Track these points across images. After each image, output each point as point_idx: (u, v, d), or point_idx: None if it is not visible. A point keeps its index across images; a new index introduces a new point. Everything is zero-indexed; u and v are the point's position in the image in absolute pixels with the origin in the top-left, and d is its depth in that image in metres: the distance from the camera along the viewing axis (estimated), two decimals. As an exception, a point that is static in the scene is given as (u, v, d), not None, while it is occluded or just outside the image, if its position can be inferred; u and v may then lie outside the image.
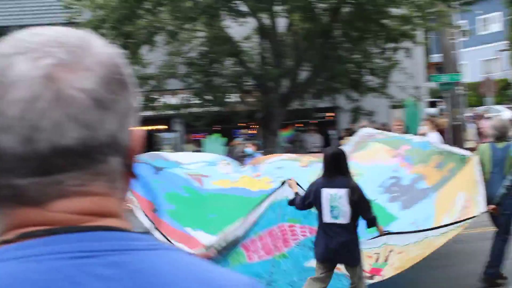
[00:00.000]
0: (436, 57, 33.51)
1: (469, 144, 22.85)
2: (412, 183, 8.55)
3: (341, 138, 21.77)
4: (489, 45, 46.29)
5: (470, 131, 23.93)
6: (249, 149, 14.75)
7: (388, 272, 7.29)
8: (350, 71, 20.20)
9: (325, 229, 6.58)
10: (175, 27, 17.56)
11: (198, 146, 19.69)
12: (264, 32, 18.73)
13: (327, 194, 6.48)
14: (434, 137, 11.57)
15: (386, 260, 7.36)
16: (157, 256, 0.95)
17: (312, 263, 7.25)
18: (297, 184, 7.15)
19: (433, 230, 7.35)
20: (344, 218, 6.43)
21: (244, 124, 23.43)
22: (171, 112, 21.06)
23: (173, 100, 22.12)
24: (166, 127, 24.59)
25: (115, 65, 1.01)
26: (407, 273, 7.23)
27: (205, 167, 9.05)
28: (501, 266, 7.99)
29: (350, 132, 22.01)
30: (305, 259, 7.53)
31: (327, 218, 6.50)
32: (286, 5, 16.70)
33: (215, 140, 15.51)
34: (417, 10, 18.23)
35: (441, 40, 23.82)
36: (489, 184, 7.85)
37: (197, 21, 17.27)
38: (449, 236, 7.30)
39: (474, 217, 7.28)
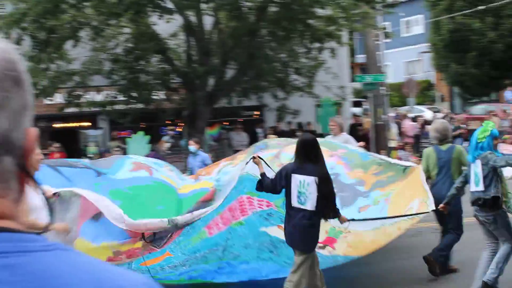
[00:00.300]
0: (360, 58, 34.15)
1: (392, 144, 23.42)
2: (354, 185, 8.72)
3: (266, 136, 21.96)
4: (412, 47, 47.47)
5: (393, 130, 24.49)
6: (193, 146, 14.66)
7: (340, 247, 7.52)
8: (276, 70, 20.36)
9: (289, 213, 6.71)
10: (99, 23, 17.26)
11: (123, 143, 19.47)
12: (191, 29, 18.65)
13: (296, 180, 6.58)
14: (341, 138, 11.80)
15: (342, 233, 7.59)
16: (53, 257, 0.93)
17: (268, 229, 7.61)
18: (265, 163, 7.27)
19: (389, 219, 7.67)
20: (310, 205, 6.52)
21: (171, 122, 23.29)
22: (96, 109, 20.74)
23: (98, 96, 21.78)
24: (90, 124, 24.17)
25: (8, 61, 0.98)
26: (361, 265, 7.43)
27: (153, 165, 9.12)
28: (449, 256, 8.37)
29: (276, 130, 22.25)
30: (261, 224, 7.74)
31: (294, 203, 6.61)
32: (212, 3, 16.66)
33: (139, 139, 15.36)
34: (342, 11, 18.52)
35: (365, 41, 24.27)
36: (436, 186, 8.12)
37: (122, 17, 16.99)
38: (401, 227, 7.59)
39: (425, 212, 7.61)
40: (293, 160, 6.95)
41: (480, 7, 33.27)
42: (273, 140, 10.38)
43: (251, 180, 7.45)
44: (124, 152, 15.90)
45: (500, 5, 33.27)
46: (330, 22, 18.90)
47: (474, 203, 7.34)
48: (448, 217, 8.17)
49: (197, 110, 19.24)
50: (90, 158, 21.66)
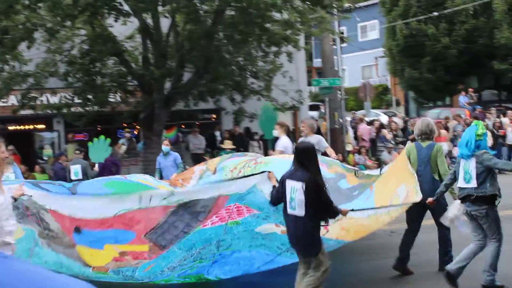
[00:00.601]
0: (318, 62, 34.40)
1: (349, 147, 23.66)
2: (335, 182, 8.82)
3: (224, 139, 21.99)
4: (368, 51, 48.01)
5: (350, 134, 24.75)
6: (166, 147, 14.68)
7: (334, 229, 7.60)
8: (234, 73, 20.39)
9: (286, 219, 6.84)
10: (54, 24, 17.07)
11: (80, 146, 19.29)
12: (147, 32, 18.57)
13: (288, 185, 6.70)
14: (285, 141, 11.99)
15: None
16: None
17: (264, 227, 7.75)
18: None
19: (382, 208, 7.85)
20: (299, 210, 6.59)
21: (127, 125, 23.15)
22: (52, 111, 20.53)
23: (53, 99, 21.52)
24: (45, 126, 23.85)
25: None
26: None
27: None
28: (451, 250, 8.48)
29: (233, 134, 22.30)
30: (258, 224, 7.83)
31: (288, 209, 6.72)
32: (169, 6, 16.60)
33: (101, 143, 15.37)
34: (298, 15, 18.67)
35: (321, 45, 24.50)
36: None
37: (77, 19, 16.84)
38: (392, 215, 7.76)
39: (414, 202, 7.76)
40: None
41: (434, 14, 33.92)
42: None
43: (254, 193, 7.65)
44: (86, 155, 15.83)
45: (453, 12, 33.93)
46: (287, 26, 19.04)
47: (464, 199, 7.49)
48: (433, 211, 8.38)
49: (154, 113, 19.15)
50: (45, 160, 21.46)
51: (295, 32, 19.60)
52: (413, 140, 10.18)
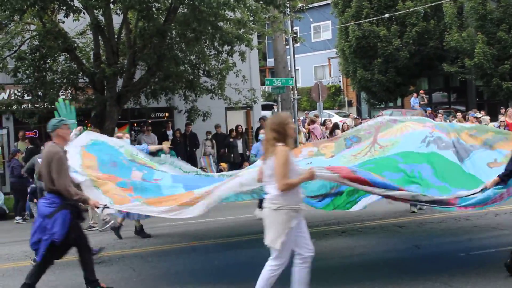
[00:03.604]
0: (271, 62, 34.57)
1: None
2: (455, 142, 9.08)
3: (176, 138, 21.89)
4: (321, 52, 48.41)
5: (302, 134, 24.89)
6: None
7: None
8: (186, 71, 20.34)
9: None
10: (3, 19, 16.75)
11: (30, 143, 18.97)
12: (99, 28, 18.36)
13: None
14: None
15: None
16: None
17: None
18: None
19: None
20: None
21: (78, 122, 22.82)
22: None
23: (2, 95, 21.14)
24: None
25: None
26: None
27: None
28: None
29: (183, 133, 22.23)
30: None
31: None
32: (120, 3, 16.45)
33: (67, 107, 15.12)
34: (251, 14, 18.71)
35: (274, 45, 24.61)
36: None
37: (26, 14, 16.56)
38: None
39: None
40: None
41: (385, 15, 34.38)
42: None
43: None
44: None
45: (404, 14, 34.45)
46: (240, 25, 19.07)
47: None
48: None
49: (105, 111, 18.96)
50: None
51: (248, 31, 19.66)
52: None
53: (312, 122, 25.41)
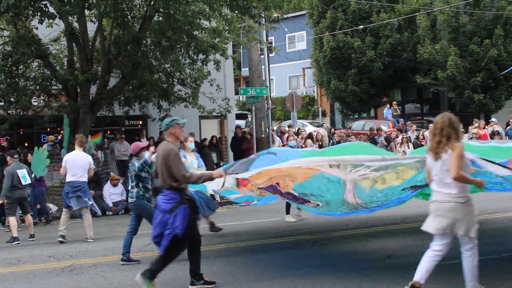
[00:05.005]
0: (246, 71, 34.62)
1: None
2: None
3: (149, 146, 21.74)
4: (295, 62, 48.62)
5: (276, 143, 24.93)
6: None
7: None
8: (160, 80, 20.31)
9: None
10: (-25, 24, 16.61)
11: (1, 150, 18.80)
12: (73, 35, 18.26)
13: None
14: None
15: None
16: None
17: None
18: None
19: None
20: None
21: (50, 129, 22.72)
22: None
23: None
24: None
25: None
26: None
27: None
28: None
29: (157, 141, 22.13)
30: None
31: None
32: (96, 10, 16.39)
33: (39, 154, 15.17)
34: (227, 24, 18.75)
35: (249, 54, 24.67)
36: None
37: (0, 19, 16.42)
38: None
39: None
40: None
41: (360, 27, 34.66)
42: None
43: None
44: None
45: (378, 26, 34.77)
46: (215, 34, 19.11)
47: None
48: None
49: (78, 118, 18.84)
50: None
51: (223, 40, 19.70)
52: None
53: (282, 133, 25.53)
